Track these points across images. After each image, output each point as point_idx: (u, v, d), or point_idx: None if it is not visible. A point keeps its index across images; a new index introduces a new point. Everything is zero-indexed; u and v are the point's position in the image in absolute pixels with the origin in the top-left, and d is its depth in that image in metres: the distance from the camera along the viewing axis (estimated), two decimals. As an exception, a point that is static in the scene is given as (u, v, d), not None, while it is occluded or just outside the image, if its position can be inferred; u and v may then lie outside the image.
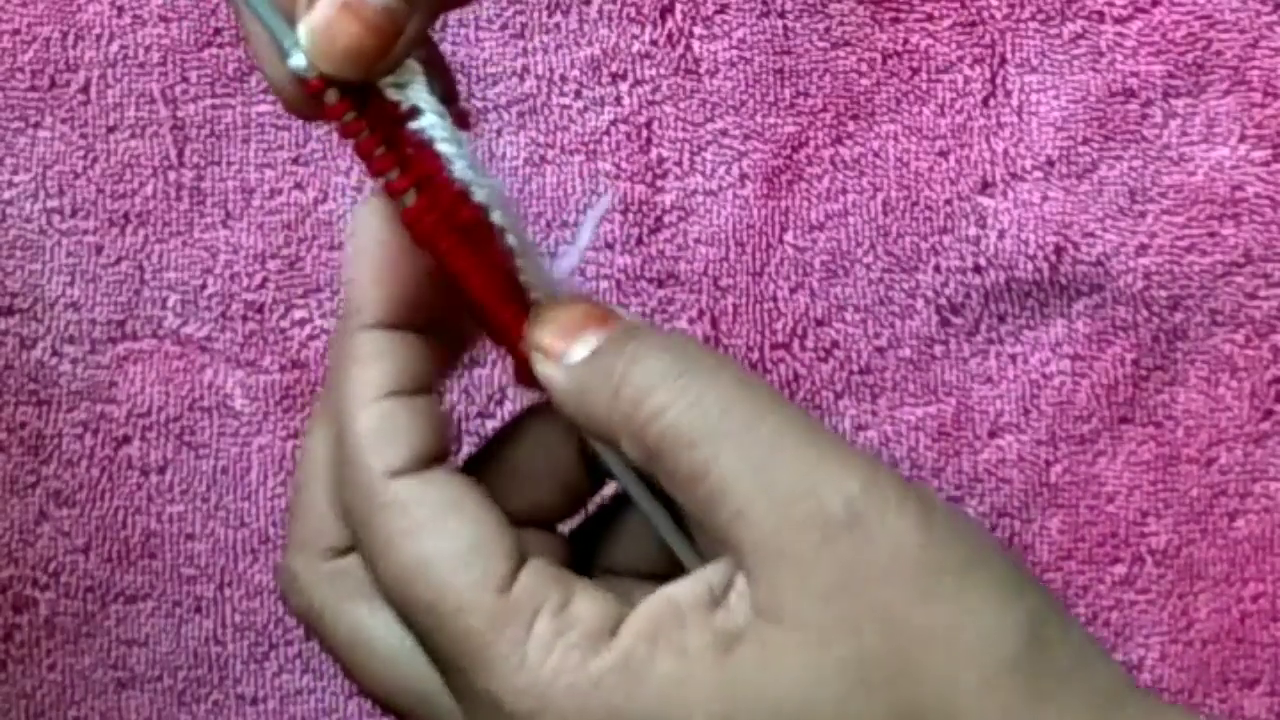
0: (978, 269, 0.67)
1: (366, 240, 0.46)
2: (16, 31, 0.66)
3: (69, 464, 0.65)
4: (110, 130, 0.66)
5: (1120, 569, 0.67)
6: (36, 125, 0.66)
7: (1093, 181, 0.67)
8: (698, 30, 0.67)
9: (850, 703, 0.42)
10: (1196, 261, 0.67)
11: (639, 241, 0.66)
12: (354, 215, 0.46)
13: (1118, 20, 0.67)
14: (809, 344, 0.66)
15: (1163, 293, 0.67)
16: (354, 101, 0.45)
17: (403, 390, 0.46)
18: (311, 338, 0.66)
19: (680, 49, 0.67)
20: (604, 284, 0.66)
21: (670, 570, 0.46)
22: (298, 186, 0.66)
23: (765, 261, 0.67)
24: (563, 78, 0.67)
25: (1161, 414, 0.67)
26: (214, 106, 0.66)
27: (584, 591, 0.44)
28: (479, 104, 0.66)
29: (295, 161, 0.66)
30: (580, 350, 0.45)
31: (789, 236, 0.67)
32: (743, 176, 0.67)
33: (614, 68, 0.67)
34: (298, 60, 0.44)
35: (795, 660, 0.42)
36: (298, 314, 0.66)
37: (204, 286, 0.66)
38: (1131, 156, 0.67)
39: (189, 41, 0.66)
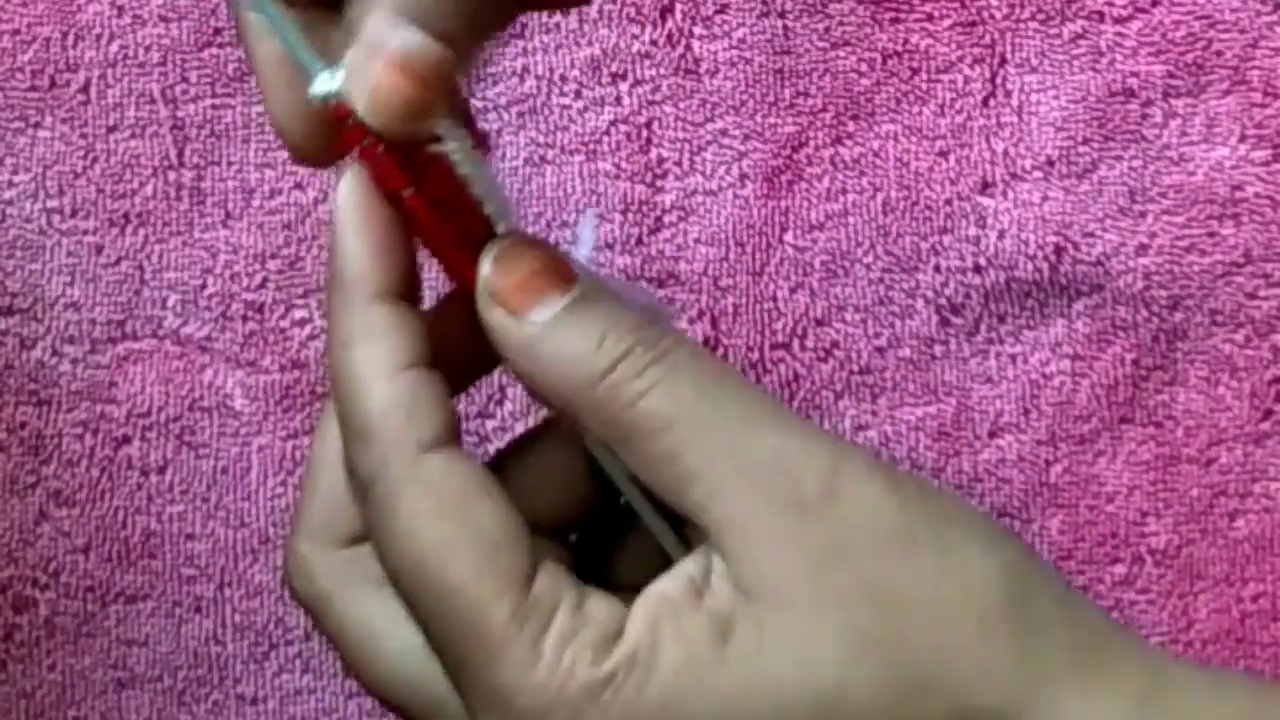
0: (978, 269, 0.67)
1: (354, 212, 0.45)
2: (16, 31, 0.66)
3: (69, 464, 0.65)
4: (110, 130, 0.66)
5: (1120, 569, 0.67)
6: (36, 125, 0.66)
7: (1093, 181, 0.67)
8: (698, 30, 0.67)
9: (849, 671, 0.43)
10: (1196, 261, 0.67)
11: (639, 241, 0.66)
12: (337, 190, 0.45)
13: (1118, 20, 0.67)
14: (809, 344, 0.67)
15: (1163, 293, 0.67)
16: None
17: (419, 362, 0.45)
18: (311, 338, 0.66)
19: (680, 49, 0.67)
20: (604, 284, 0.66)
21: None
22: (298, 186, 0.66)
23: (765, 261, 0.67)
24: (563, 78, 0.67)
25: (1161, 414, 0.67)
26: (214, 106, 0.66)
27: (595, 593, 0.44)
28: (479, 104, 0.66)
29: (295, 161, 0.66)
30: (541, 313, 0.45)
31: (789, 236, 0.67)
32: (743, 176, 0.67)
33: (614, 68, 0.67)
34: (322, 85, 0.44)
35: (790, 637, 0.43)
36: (298, 314, 0.66)
37: (204, 286, 0.66)
38: (1131, 156, 0.67)
39: (189, 41, 0.66)
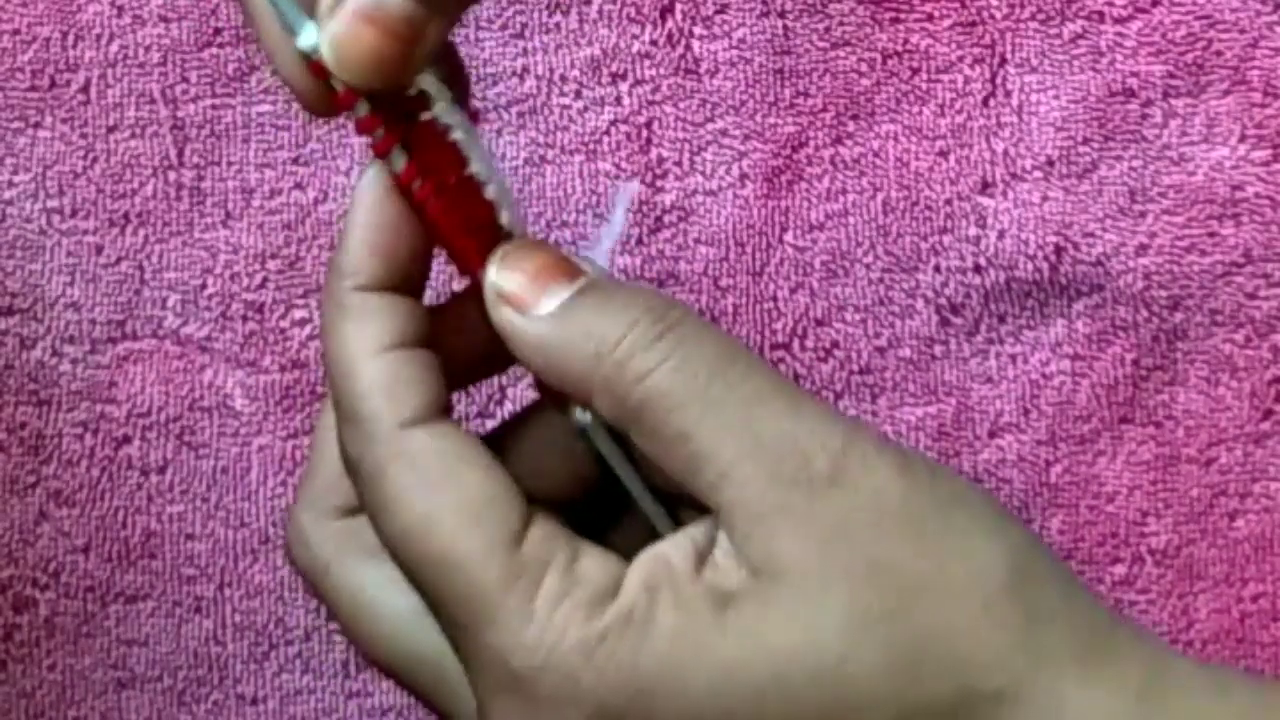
0: (978, 269, 0.67)
1: (364, 205, 0.46)
2: (16, 31, 0.66)
3: (69, 464, 0.65)
4: (110, 130, 0.66)
5: (1120, 569, 0.67)
6: (36, 125, 0.66)
7: (1093, 181, 0.67)
8: (698, 30, 0.67)
9: (852, 649, 0.43)
10: (1196, 261, 0.67)
11: (639, 241, 0.66)
12: (356, 183, 0.46)
13: (1118, 20, 0.67)
14: (809, 344, 0.67)
15: (1163, 293, 0.67)
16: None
17: (404, 343, 0.45)
18: (311, 338, 0.66)
19: (680, 49, 0.67)
20: (604, 284, 0.66)
21: None
22: (298, 186, 0.66)
23: (765, 261, 0.67)
24: (563, 78, 0.67)
25: (1161, 414, 0.67)
26: (214, 106, 0.66)
27: (589, 551, 0.44)
28: (479, 104, 0.66)
29: (295, 161, 0.66)
30: (548, 303, 0.45)
31: (789, 236, 0.67)
32: (743, 176, 0.67)
33: (614, 68, 0.67)
34: (307, 39, 0.44)
35: (794, 610, 0.43)
36: (298, 314, 0.66)
37: (204, 286, 0.66)
38: (1131, 156, 0.67)
39: (189, 41, 0.66)
